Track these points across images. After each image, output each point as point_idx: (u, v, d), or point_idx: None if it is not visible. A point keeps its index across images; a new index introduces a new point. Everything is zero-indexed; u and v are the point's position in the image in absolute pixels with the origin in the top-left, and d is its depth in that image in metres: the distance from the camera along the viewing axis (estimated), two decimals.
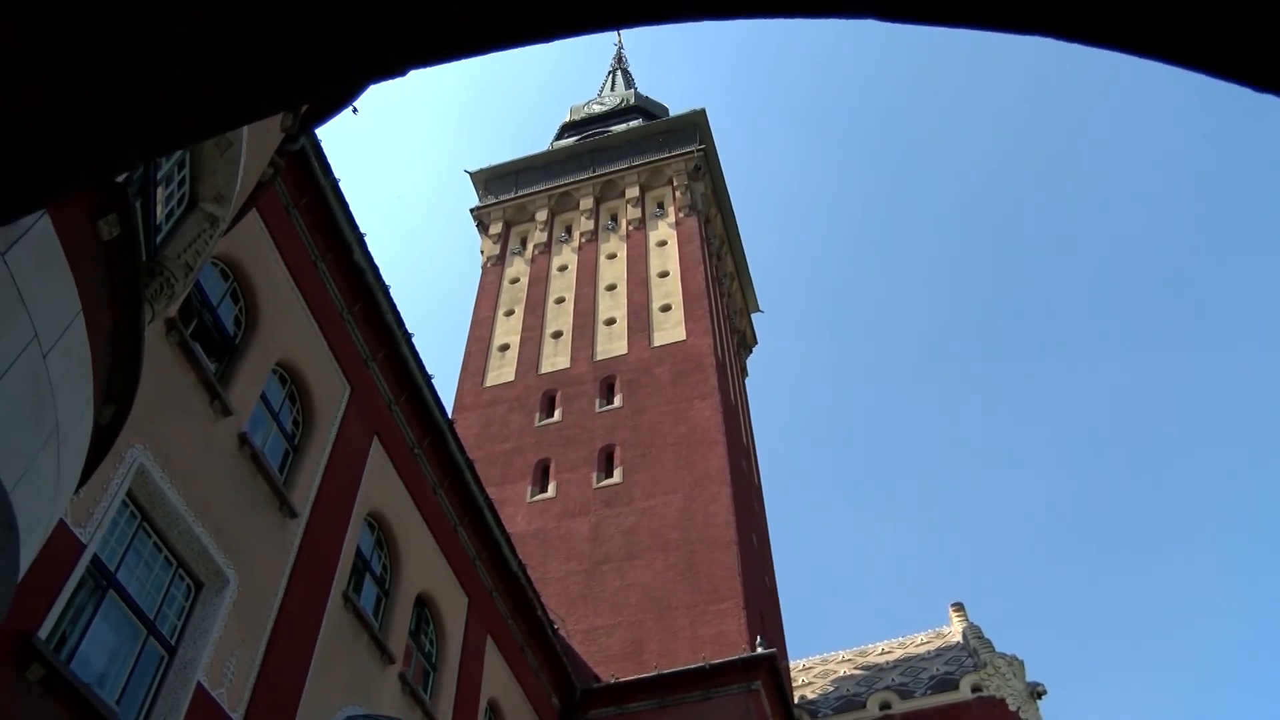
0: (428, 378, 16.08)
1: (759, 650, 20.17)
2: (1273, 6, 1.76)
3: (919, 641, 29.68)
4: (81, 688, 8.05)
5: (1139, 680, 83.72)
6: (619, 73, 55.06)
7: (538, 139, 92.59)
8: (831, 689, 28.08)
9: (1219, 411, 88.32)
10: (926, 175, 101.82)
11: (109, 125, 2.25)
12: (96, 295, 5.61)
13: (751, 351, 42.28)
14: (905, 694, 26.19)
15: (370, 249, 14.71)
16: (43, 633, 7.82)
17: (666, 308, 31.03)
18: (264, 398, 12.29)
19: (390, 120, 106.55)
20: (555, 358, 30.24)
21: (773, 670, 20.23)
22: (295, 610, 11.70)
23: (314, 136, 13.11)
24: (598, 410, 27.67)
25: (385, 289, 15.02)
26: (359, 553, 13.91)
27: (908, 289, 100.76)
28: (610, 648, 21.56)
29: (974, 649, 27.09)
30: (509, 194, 38.36)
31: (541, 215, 36.91)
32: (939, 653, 28.15)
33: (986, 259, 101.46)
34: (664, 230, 34.91)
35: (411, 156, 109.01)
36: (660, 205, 36.32)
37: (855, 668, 29.14)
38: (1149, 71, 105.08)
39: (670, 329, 30.09)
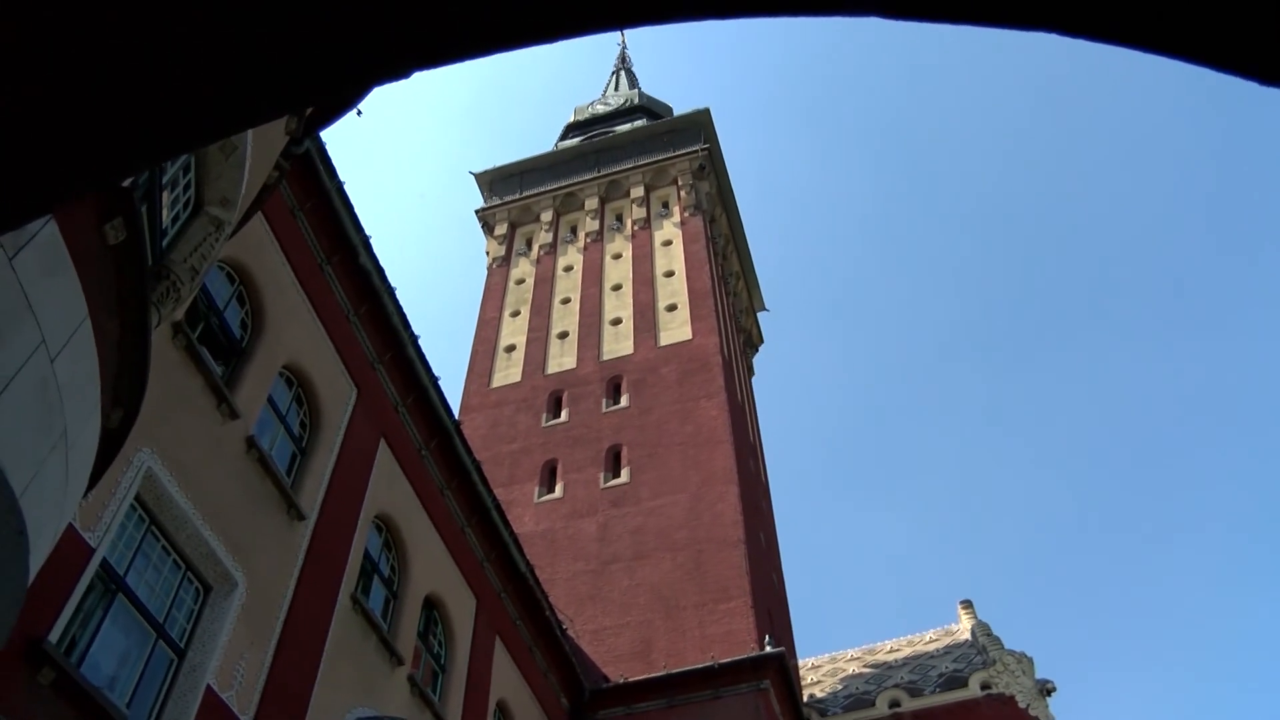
0: (434, 379, 16.09)
1: (768, 649, 20.15)
2: None
3: (928, 639, 29.62)
4: (92, 691, 8.08)
5: (1148, 677, 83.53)
6: (623, 73, 55.05)
7: (542, 140, 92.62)
8: (840, 687, 28.04)
9: (1228, 407, 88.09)
10: (932, 172, 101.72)
11: (112, 128, 2.25)
12: (103, 300, 5.62)
13: (758, 350, 42.27)
14: (914, 692, 26.14)
15: (376, 251, 14.75)
16: (53, 636, 7.85)
17: (672, 307, 31.03)
18: (271, 400, 12.31)
19: (394, 122, 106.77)
20: (561, 358, 30.26)
21: (781, 669, 20.22)
22: (304, 613, 11.72)
23: (318, 139, 13.12)
24: (604, 410, 27.68)
25: (391, 291, 15.04)
26: (367, 555, 13.93)
27: (913, 286, 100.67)
28: (619, 648, 21.56)
29: (983, 646, 27.02)
30: (514, 195, 38.40)
31: (546, 216, 36.94)
32: (948, 650, 28.09)
33: (993, 255, 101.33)
34: (669, 230, 34.92)
35: (416, 158, 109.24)
36: (665, 205, 36.33)
37: (864, 666, 29.09)
38: (1154, 66, 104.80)
39: (676, 328, 30.09)
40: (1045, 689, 25.32)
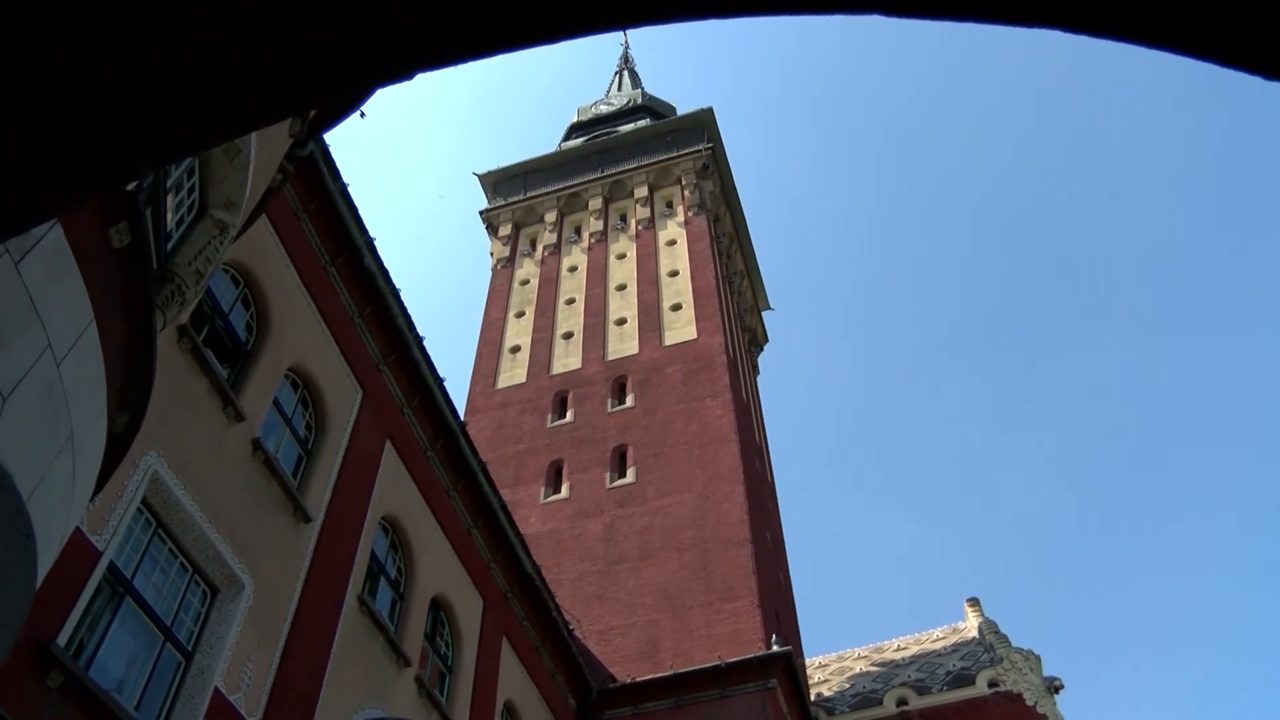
0: (439, 380, 16.10)
1: (774, 648, 20.13)
2: None
3: (935, 637, 29.59)
4: (100, 694, 8.10)
5: (1156, 674, 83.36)
6: (626, 73, 55.06)
7: (545, 140, 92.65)
8: (848, 686, 28.02)
9: (1236, 405, 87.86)
10: (936, 171, 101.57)
11: (114, 131, 2.25)
12: (109, 303, 5.63)
13: (763, 349, 42.25)
14: (922, 690, 26.12)
15: (380, 252, 14.76)
16: (61, 640, 7.87)
17: (677, 307, 31.02)
18: (276, 403, 12.33)
19: (398, 124, 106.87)
20: (566, 358, 30.27)
21: (788, 668, 20.19)
22: (310, 614, 11.73)
23: (322, 141, 13.15)
24: (610, 410, 27.68)
25: (396, 292, 15.06)
26: (373, 556, 13.94)
27: (918, 284, 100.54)
28: (626, 648, 21.56)
29: (990, 644, 27.00)
30: (518, 196, 38.42)
31: (550, 216, 36.95)
32: (955, 648, 28.06)
33: (998, 254, 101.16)
34: (673, 229, 34.91)
35: (419, 159, 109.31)
36: (669, 204, 36.33)
37: (871, 664, 29.07)
38: (1158, 64, 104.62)
39: (681, 328, 30.09)
40: (1053, 686, 25.28)
